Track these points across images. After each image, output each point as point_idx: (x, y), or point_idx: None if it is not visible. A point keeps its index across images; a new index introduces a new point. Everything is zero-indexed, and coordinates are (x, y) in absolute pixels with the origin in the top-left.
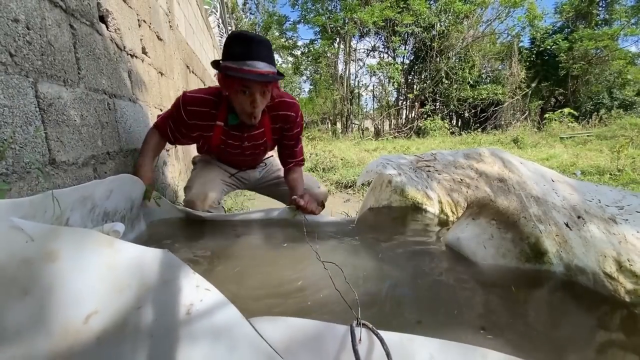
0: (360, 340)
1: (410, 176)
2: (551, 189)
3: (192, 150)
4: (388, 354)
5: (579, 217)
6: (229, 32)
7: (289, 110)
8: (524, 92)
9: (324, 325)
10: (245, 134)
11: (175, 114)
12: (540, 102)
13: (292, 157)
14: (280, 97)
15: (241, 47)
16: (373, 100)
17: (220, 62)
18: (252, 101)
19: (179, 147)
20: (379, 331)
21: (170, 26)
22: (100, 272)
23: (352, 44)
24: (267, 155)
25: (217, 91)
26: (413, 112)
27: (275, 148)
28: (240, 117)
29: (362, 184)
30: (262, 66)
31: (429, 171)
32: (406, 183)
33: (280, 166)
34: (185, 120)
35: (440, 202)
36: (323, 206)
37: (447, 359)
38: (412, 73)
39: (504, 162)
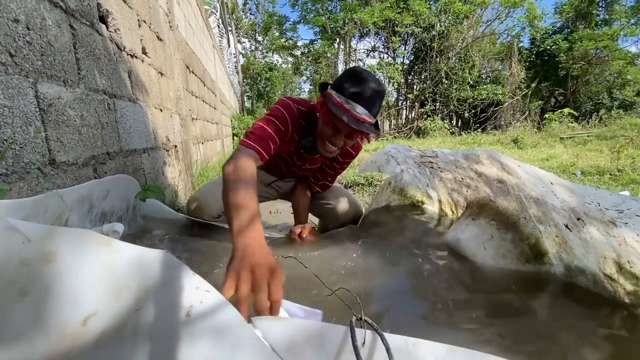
0: (364, 343)
1: (414, 172)
2: (550, 191)
3: (193, 150)
4: (388, 349)
5: (578, 219)
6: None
7: (355, 150)
8: (523, 93)
9: (324, 325)
10: (310, 157)
11: (287, 115)
12: (540, 102)
13: (318, 180)
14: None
15: (355, 86)
16: None
17: (329, 87)
18: (336, 140)
19: (179, 148)
20: (378, 327)
21: (170, 26)
22: (99, 273)
23: (352, 44)
24: None
25: (309, 108)
26: (413, 112)
27: None
28: (317, 143)
29: (362, 184)
30: (362, 113)
31: (432, 167)
32: (408, 181)
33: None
34: (298, 121)
35: (440, 201)
36: (355, 222)
37: None
38: (412, 73)
39: (502, 165)
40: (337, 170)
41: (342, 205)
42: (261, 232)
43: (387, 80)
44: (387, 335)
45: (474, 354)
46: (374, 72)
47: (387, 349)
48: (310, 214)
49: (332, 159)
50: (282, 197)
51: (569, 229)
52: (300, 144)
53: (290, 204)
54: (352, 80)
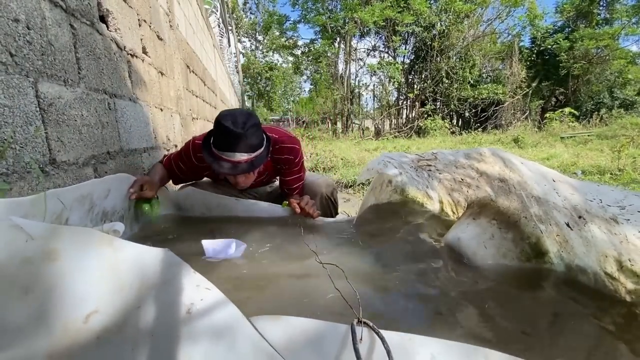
0: (361, 339)
1: (412, 175)
2: (552, 189)
3: None
4: (389, 353)
5: (580, 217)
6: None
7: (290, 154)
8: (524, 92)
9: (324, 324)
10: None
11: (185, 159)
12: (540, 101)
13: (291, 191)
14: (281, 143)
15: (221, 137)
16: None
17: (212, 138)
18: (235, 180)
19: (179, 147)
20: (379, 330)
21: (171, 26)
22: (101, 271)
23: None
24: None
25: None
26: (413, 111)
27: None
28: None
29: (362, 184)
30: (239, 157)
31: (429, 170)
32: (407, 182)
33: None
34: (195, 164)
35: (440, 201)
36: (333, 203)
37: (448, 359)
38: (413, 73)
39: (505, 162)
40: (293, 175)
41: (323, 188)
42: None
43: (388, 79)
44: (384, 332)
45: (469, 348)
46: (375, 71)
47: (388, 352)
48: None
49: (278, 170)
50: (265, 200)
51: (570, 227)
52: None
53: None
54: (219, 132)
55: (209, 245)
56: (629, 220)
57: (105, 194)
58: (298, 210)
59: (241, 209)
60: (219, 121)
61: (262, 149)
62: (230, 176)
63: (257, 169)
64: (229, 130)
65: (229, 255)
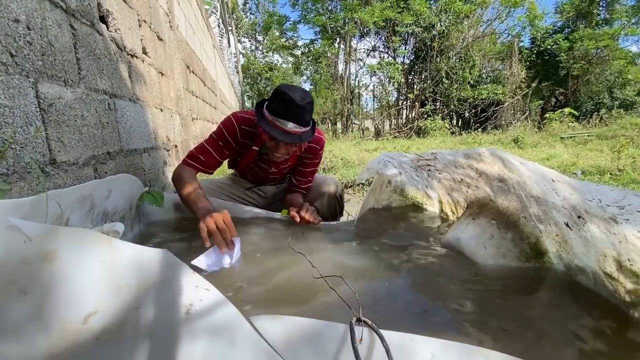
0: (361, 339)
1: (411, 175)
2: (551, 189)
3: None
4: (388, 351)
5: (579, 217)
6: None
7: (317, 144)
8: (524, 92)
9: (323, 323)
10: (272, 161)
11: (227, 133)
12: (540, 101)
13: (300, 183)
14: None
15: (282, 104)
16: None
17: (265, 105)
18: (278, 150)
19: (179, 147)
20: (378, 328)
21: (171, 26)
22: (99, 271)
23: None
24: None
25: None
26: (413, 112)
27: None
28: (269, 152)
29: (362, 184)
30: (291, 127)
31: (429, 170)
32: (406, 182)
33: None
34: (238, 138)
35: (440, 201)
36: (340, 203)
37: (448, 359)
38: (413, 73)
39: (504, 162)
40: (311, 167)
41: (332, 187)
42: (208, 203)
43: (388, 79)
44: (384, 332)
45: (469, 348)
46: (375, 71)
47: (387, 351)
48: None
49: (300, 158)
50: (267, 203)
51: (569, 227)
52: (260, 152)
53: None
54: (279, 99)
55: (201, 261)
56: (628, 220)
57: (106, 194)
58: (298, 219)
59: (239, 208)
60: (282, 91)
61: (310, 128)
62: (274, 146)
63: (301, 145)
64: (292, 101)
65: (227, 265)
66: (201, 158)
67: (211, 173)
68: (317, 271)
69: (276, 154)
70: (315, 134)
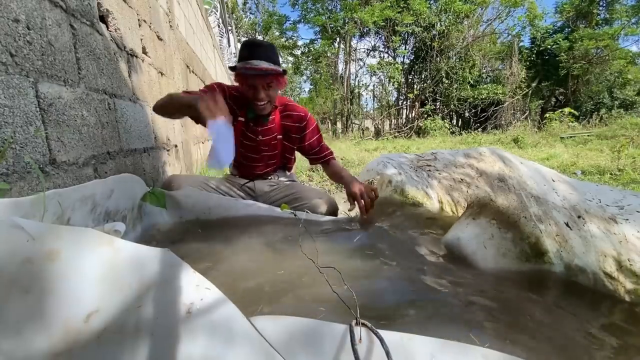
0: (360, 339)
1: (411, 175)
2: (551, 189)
3: (193, 150)
4: (388, 354)
5: (579, 217)
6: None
7: (296, 111)
8: (524, 92)
9: (322, 324)
10: (260, 128)
11: (216, 87)
12: (540, 101)
13: (320, 153)
14: (289, 102)
15: (246, 50)
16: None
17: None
18: (257, 94)
19: (180, 147)
20: (378, 330)
21: (171, 26)
22: (101, 271)
23: (352, 43)
24: (277, 172)
25: (237, 89)
26: (413, 111)
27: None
28: (253, 108)
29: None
30: (261, 64)
31: (429, 170)
32: (406, 182)
33: (291, 190)
34: (226, 96)
35: (440, 201)
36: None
37: (447, 359)
38: (412, 73)
39: (504, 162)
40: (312, 136)
41: (321, 206)
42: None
43: (388, 79)
44: (382, 332)
45: (467, 347)
46: (374, 71)
47: (387, 353)
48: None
49: (288, 132)
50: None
51: (569, 227)
52: (247, 118)
53: None
54: (244, 47)
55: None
56: (627, 220)
57: (108, 194)
58: (365, 215)
59: (241, 208)
60: (244, 41)
61: (282, 70)
62: (252, 91)
63: (278, 84)
64: (252, 43)
65: (220, 158)
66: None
67: None
68: (317, 271)
69: (258, 103)
70: (295, 104)
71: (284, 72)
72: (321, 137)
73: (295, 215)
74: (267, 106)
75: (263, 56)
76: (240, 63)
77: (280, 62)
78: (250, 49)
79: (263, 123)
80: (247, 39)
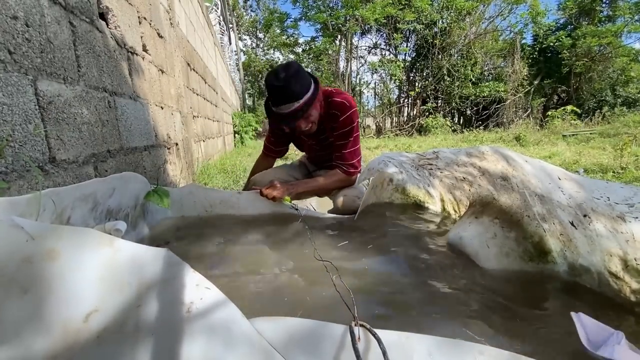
0: (359, 338)
1: (412, 174)
2: (557, 187)
3: (194, 148)
4: (385, 354)
5: (585, 216)
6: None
7: (335, 109)
8: (526, 90)
9: (321, 324)
10: (317, 138)
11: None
12: (542, 99)
13: (337, 158)
14: (330, 96)
15: (269, 94)
16: (374, 97)
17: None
18: (296, 128)
19: (180, 146)
20: (376, 331)
21: (171, 23)
22: (101, 270)
23: (353, 41)
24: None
25: None
26: (415, 109)
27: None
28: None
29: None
30: (283, 109)
31: (430, 169)
32: (407, 181)
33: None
34: (286, 134)
35: (442, 200)
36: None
37: (445, 356)
38: (414, 70)
39: (507, 161)
40: (340, 138)
41: (339, 199)
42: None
43: (389, 77)
44: (381, 331)
45: (464, 344)
46: (376, 69)
47: (384, 353)
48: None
49: (324, 131)
50: None
51: (574, 226)
52: (306, 137)
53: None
54: (267, 89)
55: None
56: (637, 218)
57: (110, 192)
58: (260, 194)
59: (243, 204)
60: (265, 81)
61: (309, 93)
62: (292, 128)
63: (311, 111)
64: (271, 86)
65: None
66: (268, 146)
67: (277, 156)
68: (316, 271)
69: (301, 131)
70: (335, 98)
71: (315, 88)
72: (349, 145)
73: (296, 209)
74: (313, 126)
75: (282, 99)
76: (274, 108)
77: (308, 81)
78: (271, 93)
79: (317, 134)
80: (268, 74)
